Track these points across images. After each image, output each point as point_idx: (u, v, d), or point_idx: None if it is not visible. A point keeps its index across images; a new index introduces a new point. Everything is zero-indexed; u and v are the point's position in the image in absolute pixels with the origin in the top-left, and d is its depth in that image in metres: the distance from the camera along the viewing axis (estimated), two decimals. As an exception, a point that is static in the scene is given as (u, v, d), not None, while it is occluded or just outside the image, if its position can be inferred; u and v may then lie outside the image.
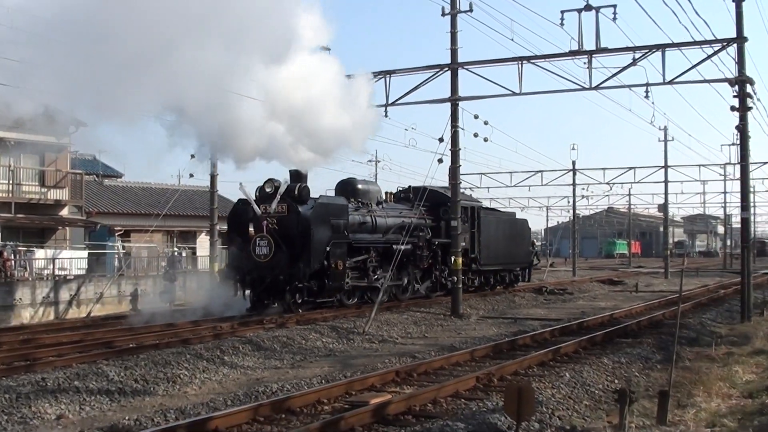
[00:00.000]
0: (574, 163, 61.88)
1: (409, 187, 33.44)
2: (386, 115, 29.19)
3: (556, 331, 22.43)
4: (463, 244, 30.92)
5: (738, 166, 28.45)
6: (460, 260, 27.99)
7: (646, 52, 26.47)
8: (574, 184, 63.03)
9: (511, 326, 25.22)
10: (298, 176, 26.67)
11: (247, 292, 26.45)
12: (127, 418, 12.36)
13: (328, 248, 25.43)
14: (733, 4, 26.25)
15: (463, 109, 28.18)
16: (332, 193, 28.75)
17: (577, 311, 30.22)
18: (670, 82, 26.71)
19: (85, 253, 37.54)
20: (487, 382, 14.70)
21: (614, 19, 25.59)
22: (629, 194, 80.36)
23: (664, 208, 62.15)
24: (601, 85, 27.20)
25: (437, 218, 32.10)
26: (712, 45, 25.79)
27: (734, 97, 25.84)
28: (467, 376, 14.91)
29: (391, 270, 26.49)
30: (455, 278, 27.78)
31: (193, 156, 32.29)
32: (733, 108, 25.87)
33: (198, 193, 48.03)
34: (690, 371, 16.08)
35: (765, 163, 61.72)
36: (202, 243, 44.15)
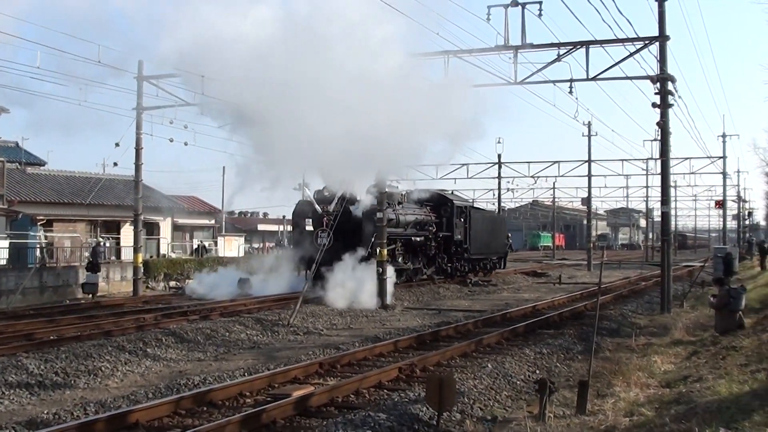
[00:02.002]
0: (499, 156, 62.47)
1: (415, 189, 38.93)
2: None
3: (480, 322, 22.58)
4: (459, 236, 39.88)
5: (659, 162, 28.90)
6: (385, 252, 28.05)
7: (571, 49, 26.81)
8: (499, 177, 63.60)
9: (435, 317, 25.34)
10: None
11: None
12: (46, 411, 12.11)
13: (372, 239, 30.21)
14: (656, 3, 26.73)
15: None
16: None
17: (501, 303, 30.47)
18: (594, 79, 27.08)
19: (6, 243, 36.72)
20: (409, 373, 14.75)
21: (540, 15, 25.82)
22: (554, 188, 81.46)
23: (587, 201, 62.95)
24: (527, 80, 27.44)
25: (439, 216, 38.67)
26: (635, 43, 26.21)
27: (656, 94, 26.29)
28: (390, 367, 14.94)
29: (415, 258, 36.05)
30: (381, 269, 27.77)
31: (117, 144, 31.88)
32: (654, 105, 26.32)
33: (122, 182, 47.25)
34: (610, 361, 16.30)
35: (686, 158, 62.99)
36: (127, 233, 43.45)
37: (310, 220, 32.71)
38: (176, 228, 55.07)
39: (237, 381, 13.78)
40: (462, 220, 40.67)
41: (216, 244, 57.51)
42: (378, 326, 23.40)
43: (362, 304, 27.33)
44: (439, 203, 39.23)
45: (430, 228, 37.37)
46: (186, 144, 34.53)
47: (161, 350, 18.07)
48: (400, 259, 34.47)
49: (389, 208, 32.19)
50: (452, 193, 46.25)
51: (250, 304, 27.14)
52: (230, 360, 17.60)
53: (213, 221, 61.91)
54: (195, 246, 54.45)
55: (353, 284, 28.43)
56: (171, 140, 34.74)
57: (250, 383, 13.56)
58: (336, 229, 29.93)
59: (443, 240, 38.85)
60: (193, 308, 25.96)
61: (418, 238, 36.23)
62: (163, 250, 50.72)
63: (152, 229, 49.70)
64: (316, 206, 32.03)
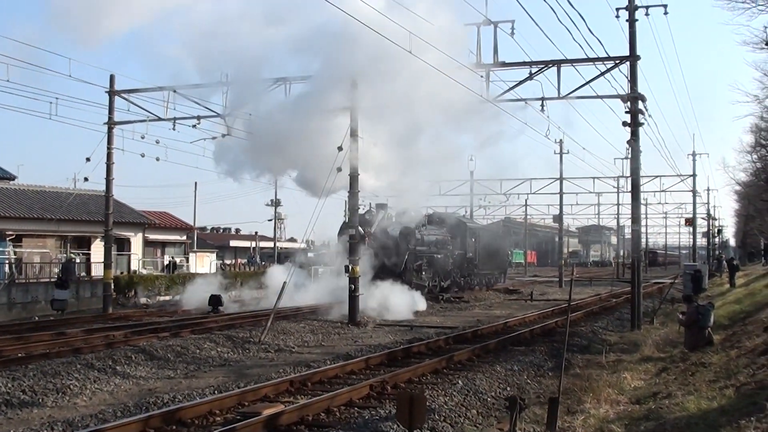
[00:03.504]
0: (471, 173, 62.55)
1: (434, 213, 45.98)
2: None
3: (451, 339, 22.57)
4: (471, 254, 46.26)
5: (630, 179, 29.12)
6: (357, 268, 27.99)
7: (542, 68, 26.99)
8: (471, 194, 63.68)
9: (406, 334, 25.31)
10: (383, 206, 38.78)
11: None
12: (12, 431, 11.98)
13: (406, 257, 36.50)
14: (627, 23, 27.04)
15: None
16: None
17: (472, 319, 30.50)
18: (565, 97, 27.26)
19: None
20: (380, 390, 14.72)
21: (512, 34, 25.94)
22: (525, 205, 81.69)
23: (559, 218, 63.18)
24: (499, 98, 27.55)
25: (454, 236, 44.15)
26: (606, 62, 26.43)
27: (626, 112, 26.54)
28: (361, 385, 14.87)
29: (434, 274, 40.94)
30: (353, 286, 27.75)
31: (88, 159, 31.71)
32: (625, 123, 26.54)
33: (93, 197, 46.92)
34: (580, 378, 16.34)
35: (656, 176, 63.53)
36: (97, 249, 43.14)
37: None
38: (147, 244, 54.75)
39: (207, 399, 13.65)
40: (473, 240, 47.12)
41: (187, 260, 57.23)
42: (350, 343, 23.34)
43: (396, 314, 30.11)
44: (455, 225, 45.27)
45: (448, 246, 43.01)
46: (158, 159, 34.35)
47: (131, 368, 17.91)
48: (423, 275, 38.96)
49: (416, 229, 38.32)
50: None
51: (221, 321, 27.02)
52: (200, 377, 17.47)
53: (185, 237, 61.63)
54: (166, 262, 54.13)
55: (389, 296, 31.52)
56: (142, 155, 34.52)
57: (220, 401, 13.45)
58: (377, 246, 35.07)
59: (458, 257, 44.26)
60: (164, 325, 25.80)
61: (438, 256, 41.36)
62: (134, 266, 50.40)
63: (123, 244, 49.40)
64: (360, 227, 34.58)
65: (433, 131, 32.02)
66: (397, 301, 31.34)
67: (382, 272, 33.61)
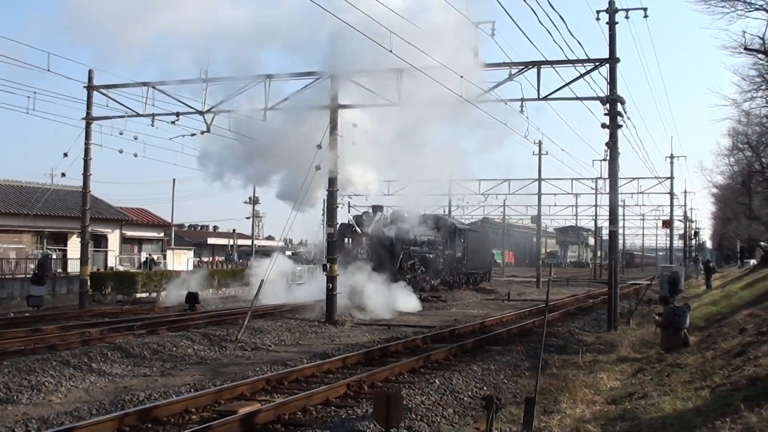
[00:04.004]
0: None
1: (425, 214, 46.76)
2: (264, 119, 28.94)
3: (428, 338, 22.61)
4: (459, 254, 49.15)
5: (608, 181, 29.21)
6: (335, 267, 27.97)
7: (522, 69, 26.97)
8: (450, 194, 63.74)
9: (384, 333, 25.34)
10: (379, 208, 41.86)
11: None
12: (-14, 427, 11.89)
13: (401, 256, 38.68)
14: (607, 26, 27.14)
15: (342, 117, 28.24)
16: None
17: (449, 319, 30.57)
18: (545, 98, 27.24)
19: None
20: (357, 390, 14.70)
21: (492, 35, 25.88)
22: (504, 205, 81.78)
23: (537, 219, 63.43)
24: (479, 99, 27.51)
25: (444, 236, 46.45)
26: (585, 64, 26.42)
27: (605, 114, 26.58)
28: (338, 384, 14.85)
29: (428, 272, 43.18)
30: (331, 285, 27.73)
31: (66, 154, 31.50)
32: (604, 125, 26.59)
33: (71, 193, 46.63)
34: (557, 378, 16.38)
35: (634, 178, 63.70)
36: (74, 245, 42.88)
37: (350, 239, 39.13)
38: (125, 240, 54.53)
39: (183, 397, 13.61)
40: (462, 240, 49.91)
41: (165, 257, 57.01)
42: (327, 342, 23.33)
43: (392, 312, 31.48)
44: (444, 226, 47.65)
45: (439, 247, 45.62)
46: (135, 155, 34.14)
47: (106, 365, 17.83)
48: (416, 274, 41.09)
49: (409, 230, 40.75)
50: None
51: (198, 319, 26.94)
52: (177, 375, 17.40)
53: (162, 234, 61.37)
54: (143, 259, 53.91)
55: (385, 294, 33.17)
56: (120, 151, 34.35)
57: (195, 399, 13.40)
58: (373, 246, 37.75)
59: (447, 257, 46.88)
60: (140, 322, 25.67)
61: (430, 255, 43.77)
62: (111, 263, 50.15)
63: (100, 241, 49.15)
64: (357, 228, 38.50)
65: (422, 131, 32.20)
66: (397, 299, 33.17)
67: (378, 271, 35.03)
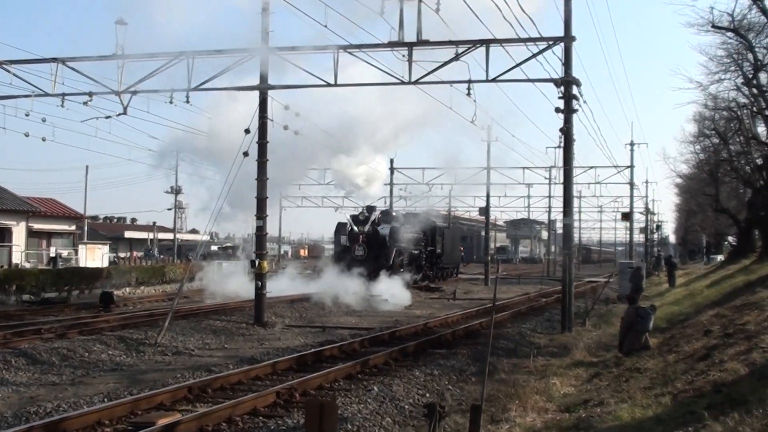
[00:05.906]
0: (392, 161, 62.67)
1: (409, 213, 56.67)
2: (188, 101, 28.59)
3: (366, 341, 22.64)
4: (439, 250, 55.73)
5: (562, 170, 29.33)
6: (265, 263, 27.86)
7: (470, 47, 26.87)
8: (391, 184, 63.80)
9: (318, 336, 25.31)
10: (372, 208, 46.95)
11: None
12: None
13: (393, 252, 44.58)
14: (562, 1, 27.21)
15: (273, 99, 28.10)
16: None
17: (390, 320, 30.62)
18: (494, 80, 27.20)
19: None
20: (288, 398, 14.65)
21: (437, 10, 25.69)
22: (449, 196, 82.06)
23: (485, 211, 63.65)
24: (421, 80, 27.44)
25: (426, 234, 52.64)
26: (538, 43, 26.40)
27: (560, 98, 26.69)
28: (267, 392, 14.78)
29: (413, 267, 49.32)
30: (260, 283, 27.58)
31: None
32: (558, 109, 26.74)
33: (-30, 182, 45.76)
34: (506, 384, 16.46)
35: (591, 167, 64.08)
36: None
37: (346, 236, 44.75)
38: (32, 234, 53.72)
39: (95, 408, 13.43)
40: (441, 237, 56.34)
41: (76, 252, 56.24)
42: (256, 346, 23.22)
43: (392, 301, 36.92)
44: (427, 224, 53.47)
45: (423, 243, 51.91)
46: (44, 140, 33.53)
47: (10, 373, 17.59)
48: (404, 269, 46.28)
49: (398, 227, 46.47)
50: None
51: (113, 321, 26.62)
52: (89, 384, 17.18)
53: (74, 227, 60.55)
54: (52, 255, 53.14)
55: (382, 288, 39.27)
56: (27, 135, 33.72)
57: (109, 410, 13.23)
58: (369, 243, 43.56)
59: (429, 253, 53.73)
60: (49, 325, 25.28)
61: (416, 252, 50.20)
62: (16, 259, 49.34)
63: (3, 235, 48.35)
64: (354, 227, 44.44)
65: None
66: (394, 292, 38.55)
67: (373, 267, 41.74)
